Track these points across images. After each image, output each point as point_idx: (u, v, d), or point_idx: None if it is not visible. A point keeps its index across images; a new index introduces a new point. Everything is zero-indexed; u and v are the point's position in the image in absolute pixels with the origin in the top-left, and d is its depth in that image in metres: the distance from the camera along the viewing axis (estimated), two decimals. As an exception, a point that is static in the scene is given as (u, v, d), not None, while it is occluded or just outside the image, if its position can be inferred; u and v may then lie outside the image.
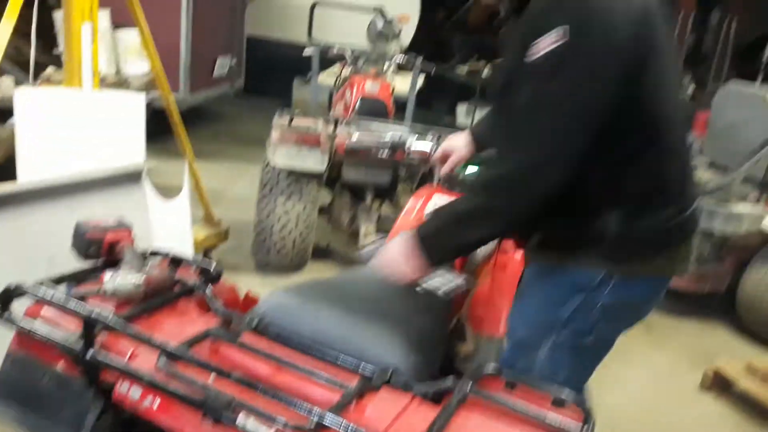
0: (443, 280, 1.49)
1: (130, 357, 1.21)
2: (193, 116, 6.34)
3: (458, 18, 9.61)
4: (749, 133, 3.84)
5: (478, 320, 2.18)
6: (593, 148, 1.32)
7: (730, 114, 4.08)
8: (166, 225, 3.04)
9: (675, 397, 3.08)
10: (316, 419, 1.05)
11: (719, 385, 3.15)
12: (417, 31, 7.76)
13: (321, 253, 3.94)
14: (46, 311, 1.32)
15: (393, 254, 1.46)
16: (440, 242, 1.42)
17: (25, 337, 1.31)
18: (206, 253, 3.56)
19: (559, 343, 1.50)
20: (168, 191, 3.10)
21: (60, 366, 1.26)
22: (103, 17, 4.00)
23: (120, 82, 3.97)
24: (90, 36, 2.49)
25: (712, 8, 9.76)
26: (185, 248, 3.16)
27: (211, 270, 1.57)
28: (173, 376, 1.12)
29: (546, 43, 1.25)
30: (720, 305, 3.97)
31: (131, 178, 2.76)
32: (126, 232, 1.52)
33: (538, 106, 1.31)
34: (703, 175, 3.90)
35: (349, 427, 1.03)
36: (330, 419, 1.04)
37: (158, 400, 1.15)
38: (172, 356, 1.16)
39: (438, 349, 1.53)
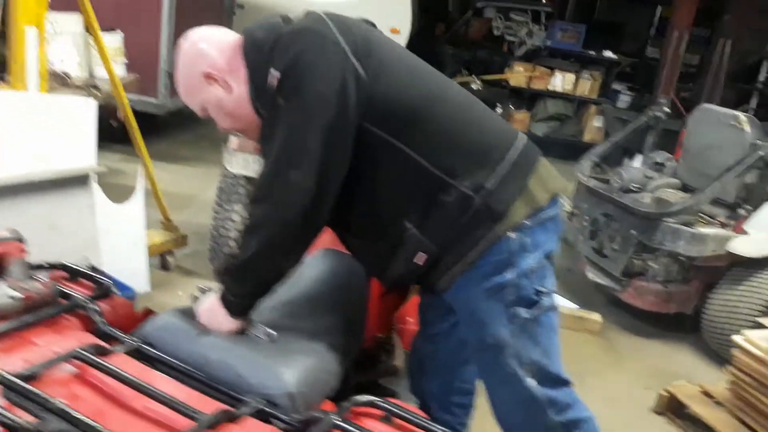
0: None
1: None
2: (175, 120, 6.35)
3: (457, 31, 9.58)
4: (721, 156, 3.79)
5: (406, 336, 2.15)
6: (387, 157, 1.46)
7: (704, 136, 4.04)
8: (118, 229, 3.03)
9: (627, 420, 3.02)
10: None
11: (672, 408, 3.10)
12: (409, 44, 7.74)
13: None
14: None
15: (207, 310, 1.50)
16: (237, 293, 1.46)
17: None
18: (163, 257, 3.54)
19: (521, 323, 1.56)
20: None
21: None
22: (77, 22, 4.01)
23: (90, 85, 3.97)
24: (36, 40, 2.48)
25: (711, 29, 9.71)
26: (137, 253, 3.15)
27: (104, 285, 1.55)
28: (14, 403, 1.09)
29: (272, 79, 1.41)
30: (686, 327, 3.92)
31: (78, 181, 2.75)
32: (15, 244, 1.50)
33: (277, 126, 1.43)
34: (673, 196, 3.86)
35: None
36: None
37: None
38: (12, 384, 1.13)
39: (329, 380, 1.49)
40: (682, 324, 3.93)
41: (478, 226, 1.50)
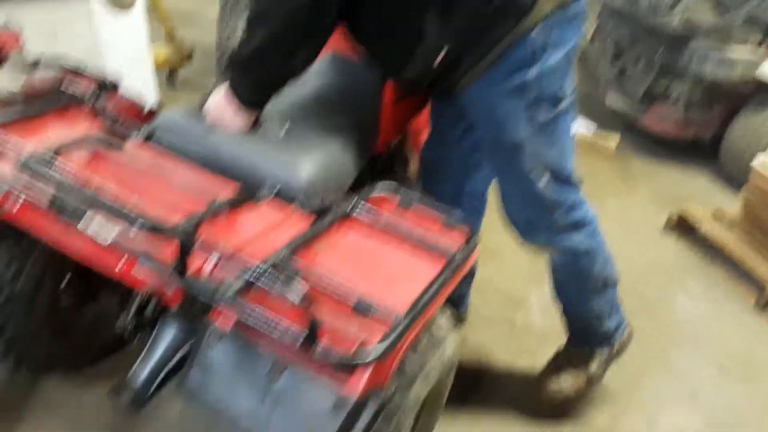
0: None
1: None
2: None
3: None
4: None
5: (420, 144, 2.12)
6: None
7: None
8: (121, 42, 2.92)
9: (638, 239, 3.08)
10: (159, 228, 1.02)
11: (682, 228, 3.15)
12: None
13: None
14: None
15: (216, 106, 1.43)
16: (245, 85, 1.39)
17: None
18: (170, 73, 3.45)
19: (540, 123, 1.52)
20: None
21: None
22: None
23: None
24: None
25: None
26: (143, 66, 3.06)
27: (108, 81, 1.49)
28: (29, 180, 1.08)
29: None
30: (703, 153, 3.87)
31: (74, -12, 2.60)
32: (12, 36, 1.43)
33: None
34: (704, 16, 3.62)
35: (191, 237, 0.99)
36: (185, 224, 1.01)
37: (15, 203, 1.12)
38: (30, 160, 1.12)
39: (345, 176, 1.47)
40: (699, 151, 3.88)
41: (503, 20, 1.40)
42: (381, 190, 1.29)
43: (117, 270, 1.03)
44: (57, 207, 1.02)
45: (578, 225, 1.70)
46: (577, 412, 2.01)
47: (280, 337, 0.88)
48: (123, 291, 1.54)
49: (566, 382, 1.93)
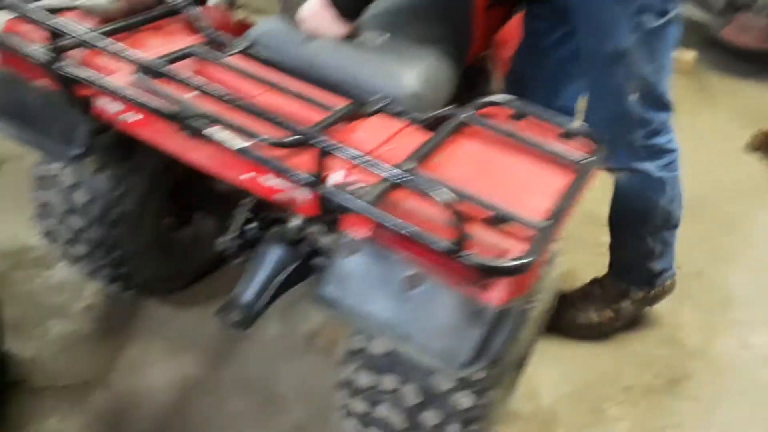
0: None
1: (105, 72, 1.14)
2: None
3: None
4: None
5: (503, 61, 2.03)
6: None
7: None
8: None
9: (717, 157, 2.94)
10: (296, 136, 0.99)
11: (766, 146, 3.00)
12: None
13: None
14: (25, 27, 1.24)
15: (312, 14, 1.36)
16: None
17: (8, 53, 1.25)
18: (230, -4, 3.36)
19: (645, 33, 1.44)
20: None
21: (41, 81, 1.20)
22: None
23: None
24: None
25: None
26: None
27: (200, -9, 1.44)
28: (148, 90, 1.06)
29: None
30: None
31: None
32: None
33: None
34: None
35: (331, 145, 0.96)
36: (310, 135, 0.98)
37: (134, 114, 1.10)
38: (148, 70, 1.09)
39: (446, 86, 1.42)
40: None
41: None
42: (487, 101, 1.23)
43: (243, 179, 1.01)
44: (181, 116, 1.00)
45: (658, 151, 1.63)
46: (669, 334, 1.98)
47: (427, 244, 0.84)
48: (219, 213, 1.54)
49: (592, 311, 1.90)
